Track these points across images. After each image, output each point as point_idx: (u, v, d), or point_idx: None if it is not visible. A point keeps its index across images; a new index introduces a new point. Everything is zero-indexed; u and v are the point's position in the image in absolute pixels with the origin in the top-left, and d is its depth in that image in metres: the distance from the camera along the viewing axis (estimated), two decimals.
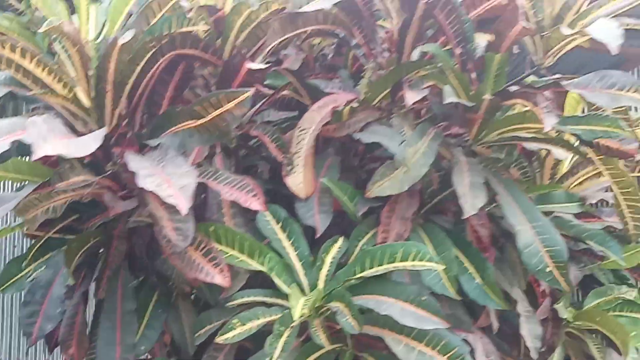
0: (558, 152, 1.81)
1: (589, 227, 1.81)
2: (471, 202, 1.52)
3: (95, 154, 1.50)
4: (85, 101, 1.50)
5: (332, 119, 1.86)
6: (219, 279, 1.45)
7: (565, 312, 1.87)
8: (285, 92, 2.00)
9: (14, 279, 1.86)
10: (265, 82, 2.00)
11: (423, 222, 1.73)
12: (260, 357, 1.42)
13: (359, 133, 1.72)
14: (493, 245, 1.71)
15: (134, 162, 1.29)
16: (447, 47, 1.76)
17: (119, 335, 1.67)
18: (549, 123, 1.40)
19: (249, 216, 1.66)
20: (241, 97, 1.37)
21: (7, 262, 1.93)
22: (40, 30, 1.30)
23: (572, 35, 1.47)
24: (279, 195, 1.78)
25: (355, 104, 1.87)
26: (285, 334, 1.42)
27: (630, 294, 2.07)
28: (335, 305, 1.46)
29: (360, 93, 1.89)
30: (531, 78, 1.72)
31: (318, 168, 1.79)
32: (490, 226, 1.68)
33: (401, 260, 1.46)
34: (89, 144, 1.22)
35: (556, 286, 1.58)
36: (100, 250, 1.82)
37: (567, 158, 2.11)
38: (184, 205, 1.20)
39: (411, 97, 1.61)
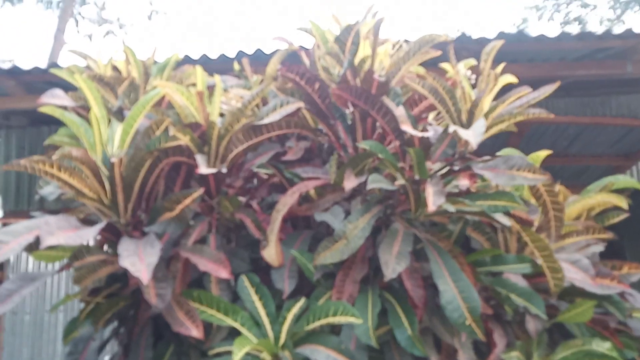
0: (498, 221, 2.09)
1: (520, 286, 2.05)
2: (392, 267, 1.87)
3: (112, 237, 2.05)
4: (105, 200, 2.05)
5: (308, 200, 2.30)
6: (194, 332, 1.90)
7: None
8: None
9: (72, 334, 2.41)
10: (262, 171, 2.49)
11: (374, 284, 2.08)
12: None
13: (317, 213, 2.14)
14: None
15: (122, 245, 1.79)
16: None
17: None
18: (434, 204, 1.73)
19: (230, 283, 2.11)
20: (194, 195, 1.86)
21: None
22: (54, 157, 1.87)
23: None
24: (265, 263, 2.23)
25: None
26: None
27: (601, 346, 2.23)
28: (283, 353, 1.85)
29: (331, 177, 2.31)
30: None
31: (294, 241, 2.21)
32: (423, 288, 1.99)
33: (332, 315, 1.83)
34: (86, 234, 1.74)
35: (474, 337, 1.86)
36: (131, 312, 2.35)
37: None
38: (144, 277, 1.67)
39: (349, 184, 2.00)
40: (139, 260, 1.72)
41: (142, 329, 2.26)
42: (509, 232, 2.42)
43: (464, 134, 1.73)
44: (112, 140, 2.10)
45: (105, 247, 2.34)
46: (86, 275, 2.17)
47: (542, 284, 2.21)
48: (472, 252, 2.26)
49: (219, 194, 2.25)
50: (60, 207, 2.56)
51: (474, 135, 1.71)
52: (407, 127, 1.84)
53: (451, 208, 1.84)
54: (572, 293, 2.28)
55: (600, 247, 2.47)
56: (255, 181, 2.63)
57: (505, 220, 1.94)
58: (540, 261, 2.01)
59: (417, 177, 1.94)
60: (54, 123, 2.50)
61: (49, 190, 2.27)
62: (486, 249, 2.21)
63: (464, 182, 2.09)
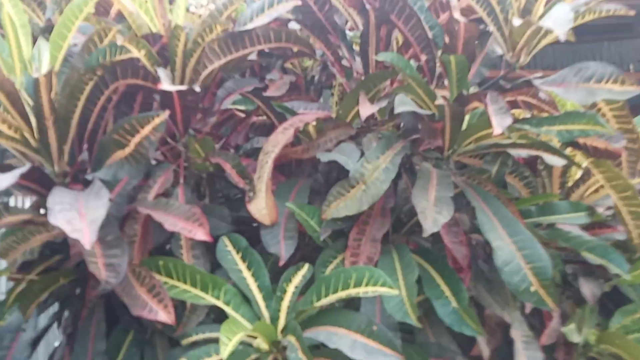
0: (549, 158, 1.62)
1: (589, 239, 1.60)
2: (432, 218, 1.37)
3: (43, 192, 1.50)
4: (32, 140, 1.49)
5: (303, 140, 1.78)
6: (162, 315, 1.37)
7: (576, 335, 1.65)
8: (262, 117, 1.95)
9: None
10: (239, 108, 1.96)
11: (397, 243, 1.59)
12: None
13: (321, 153, 1.62)
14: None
15: (53, 197, 1.24)
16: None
17: None
18: (500, 125, 1.24)
19: (208, 248, 1.58)
20: (156, 121, 1.31)
21: None
22: None
23: (523, 25, 1.31)
24: (251, 226, 1.71)
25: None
26: None
27: None
28: (287, 339, 1.35)
29: (332, 111, 1.79)
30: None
31: (288, 192, 1.70)
32: (467, 246, 1.51)
33: (355, 286, 1.33)
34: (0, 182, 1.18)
35: (543, 307, 1.39)
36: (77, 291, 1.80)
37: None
38: (87, 240, 1.13)
39: (365, 110, 1.49)
40: (78, 216, 1.18)
41: (90, 313, 1.73)
42: (548, 176, 1.96)
43: (547, 22, 1.23)
44: (38, 60, 1.53)
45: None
46: (14, 246, 1.63)
47: (602, 237, 1.77)
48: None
49: (186, 134, 1.71)
50: None
51: (559, 24, 1.21)
52: (457, 14, 1.33)
53: (512, 136, 1.35)
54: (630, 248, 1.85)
55: None
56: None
57: (569, 153, 1.46)
58: (616, 204, 1.54)
59: (464, 91, 1.43)
60: None
61: None
62: (537, 195, 1.74)
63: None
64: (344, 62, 1.85)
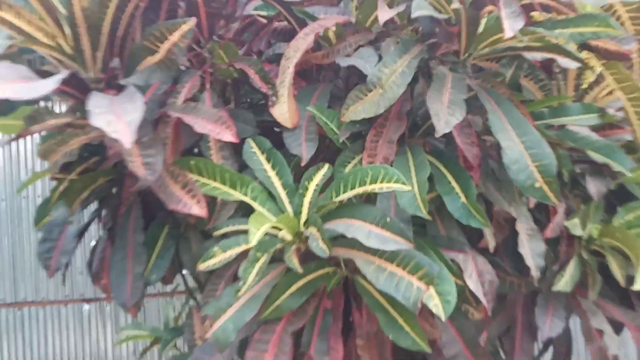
0: (563, 61, 1.66)
1: (595, 139, 1.68)
2: (445, 119, 1.45)
3: (80, 97, 1.60)
4: (66, 47, 1.57)
5: (323, 46, 1.84)
6: (196, 209, 1.51)
7: (578, 229, 1.77)
8: (283, 22, 1.99)
9: (45, 219, 2.02)
10: (261, 13, 2.00)
11: (413, 144, 1.68)
12: (237, 285, 1.47)
13: (340, 58, 1.68)
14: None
15: (91, 101, 1.34)
16: None
17: (130, 265, 1.79)
18: (512, 28, 1.29)
19: (235, 149, 1.69)
20: (184, 28, 1.38)
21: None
22: None
23: None
24: (274, 129, 1.81)
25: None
26: (261, 260, 1.46)
27: None
28: (309, 231, 1.48)
29: (352, 15, 1.83)
30: None
31: (308, 97, 1.78)
32: (478, 146, 1.59)
33: (371, 183, 1.44)
34: (43, 87, 1.28)
35: (546, 201, 1.49)
36: (114, 190, 1.95)
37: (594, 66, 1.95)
38: (126, 139, 1.24)
39: (384, 14, 1.54)
40: (115, 118, 1.28)
41: (128, 209, 1.88)
42: (563, 79, 2.01)
43: None
44: None
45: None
46: (55, 147, 1.74)
47: (612, 138, 1.84)
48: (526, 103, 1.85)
49: (210, 41, 1.78)
50: None
51: None
52: None
53: (523, 41, 1.40)
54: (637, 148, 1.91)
55: None
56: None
57: (581, 55, 1.50)
58: (625, 105, 1.60)
59: (456, 3, 1.47)
60: None
61: None
62: (550, 97, 1.80)
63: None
64: None
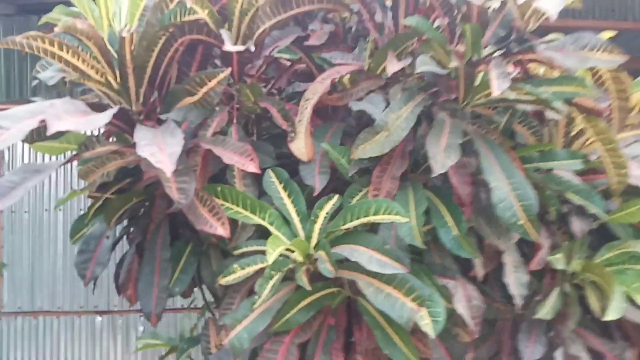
0: (550, 113, 1.87)
1: (576, 183, 1.88)
2: (442, 162, 1.67)
3: (123, 128, 1.83)
4: (114, 84, 1.81)
5: (339, 89, 2.06)
6: (220, 230, 1.72)
7: (560, 263, 1.95)
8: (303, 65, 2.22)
9: (80, 233, 2.24)
10: (284, 57, 2.24)
11: (414, 180, 1.89)
12: (252, 299, 1.68)
13: (353, 102, 1.91)
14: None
15: (138, 133, 1.57)
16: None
17: (157, 278, 2.00)
18: (499, 88, 1.51)
19: (256, 178, 1.91)
20: (220, 76, 1.61)
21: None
22: (56, 30, 1.61)
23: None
24: (290, 160, 2.02)
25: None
26: (275, 277, 1.67)
27: None
28: (318, 253, 1.69)
29: (365, 63, 2.06)
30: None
31: (323, 134, 2.00)
32: (471, 185, 1.80)
33: (374, 214, 1.65)
34: (98, 120, 1.51)
35: (527, 237, 1.69)
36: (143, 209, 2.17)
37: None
38: (168, 169, 1.46)
39: (392, 67, 1.76)
40: (159, 150, 1.50)
41: (157, 228, 2.09)
42: (554, 127, 2.21)
43: (540, 3, 1.47)
44: (118, 15, 1.83)
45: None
46: (94, 169, 1.96)
47: (592, 183, 2.03)
48: (517, 148, 2.06)
49: (240, 81, 2.01)
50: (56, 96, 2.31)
51: (554, 4, 1.45)
52: None
53: (512, 95, 1.62)
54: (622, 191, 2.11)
55: None
56: (273, 73, 2.38)
57: (565, 109, 1.72)
58: (602, 155, 1.81)
59: (474, 57, 1.69)
60: (43, 11, 2.22)
61: (48, 75, 2.01)
62: (537, 143, 2.01)
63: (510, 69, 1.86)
64: (377, 18, 2.09)
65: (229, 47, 1.65)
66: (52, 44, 1.70)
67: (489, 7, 1.71)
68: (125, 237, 2.31)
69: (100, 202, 2.17)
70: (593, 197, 1.83)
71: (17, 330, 4.96)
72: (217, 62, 2.02)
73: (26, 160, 5.01)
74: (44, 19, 2.18)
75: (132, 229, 2.27)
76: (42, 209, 5.10)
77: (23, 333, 4.97)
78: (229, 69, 1.68)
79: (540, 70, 2.18)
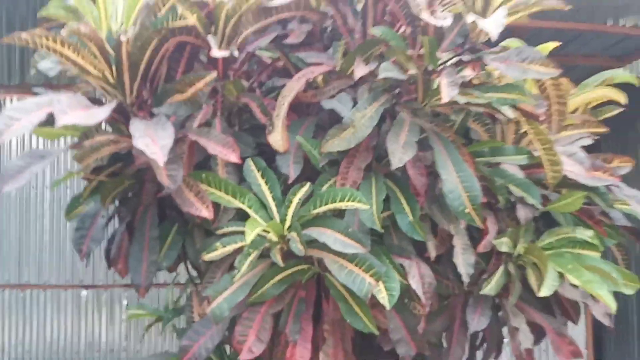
0: (497, 115, 2.12)
1: (518, 177, 2.13)
2: (399, 157, 1.91)
3: (118, 118, 2.04)
4: (111, 79, 2.02)
5: (313, 87, 2.29)
6: (205, 212, 1.95)
7: (504, 246, 2.21)
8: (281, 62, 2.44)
9: (75, 211, 2.45)
10: (267, 55, 2.45)
11: (377, 171, 2.13)
12: (232, 273, 1.92)
13: (325, 100, 2.14)
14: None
15: (133, 125, 1.79)
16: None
17: (146, 254, 2.22)
18: (448, 95, 1.75)
19: (237, 166, 2.13)
20: (207, 78, 1.84)
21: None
22: (63, 33, 1.81)
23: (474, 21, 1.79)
24: (268, 150, 2.25)
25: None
26: (253, 255, 1.91)
27: (584, 234, 2.35)
28: (290, 235, 1.93)
29: (337, 64, 2.29)
30: None
31: (298, 128, 2.23)
32: (426, 176, 2.05)
33: (340, 201, 1.90)
34: (98, 114, 1.73)
35: (473, 224, 1.95)
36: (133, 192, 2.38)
37: None
38: (160, 159, 1.69)
39: (359, 71, 1.99)
40: (152, 142, 1.72)
41: (146, 209, 2.31)
42: (506, 124, 2.46)
43: (483, 24, 1.71)
44: (115, 17, 2.03)
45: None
46: (89, 154, 2.16)
47: (537, 176, 2.29)
48: (472, 143, 2.31)
49: (225, 78, 2.22)
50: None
51: (495, 26, 1.69)
52: (425, 15, 1.80)
53: (462, 99, 1.86)
54: (562, 184, 2.37)
55: (589, 141, 2.54)
56: (255, 66, 2.59)
57: (510, 113, 1.97)
58: (540, 153, 2.07)
59: (430, 67, 1.93)
60: None
61: (47, 65, 2.20)
62: (486, 140, 2.26)
63: (469, 72, 2.09)
64: (349, 23, 2.31)
65: (215, 52, 1.87)
66: (55, 41, 1.90)
67: (442, 25, 1.93)
68: (116, 215, 2.53)
69: (94, 184, 2.39)
70: (531, 189, 2.09)
71: (4, 303, 5.15)
72: (203, 58, 2.23)
73: (14, 143, 5.17)
74: (43, 11, 2.36)
75: (122, 209, 2.49)
76: (29, 186, 5.26)
77: (10, 306, 5.17)
78: (214, 73, 1.90)
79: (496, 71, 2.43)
